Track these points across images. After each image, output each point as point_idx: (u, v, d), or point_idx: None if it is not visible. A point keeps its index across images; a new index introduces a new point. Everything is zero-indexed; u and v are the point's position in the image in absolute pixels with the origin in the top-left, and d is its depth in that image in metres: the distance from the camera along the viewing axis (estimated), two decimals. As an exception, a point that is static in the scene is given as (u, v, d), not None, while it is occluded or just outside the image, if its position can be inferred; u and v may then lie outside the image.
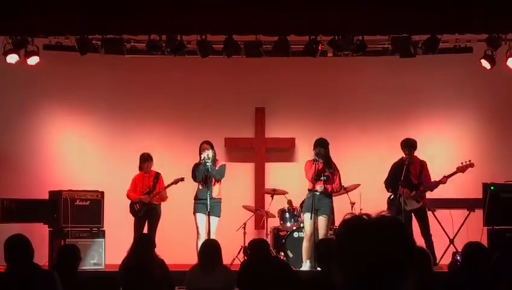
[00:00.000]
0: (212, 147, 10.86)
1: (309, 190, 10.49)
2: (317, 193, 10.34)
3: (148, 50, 11.10)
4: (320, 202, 10.33)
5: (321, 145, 10.47)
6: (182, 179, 11.13)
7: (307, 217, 10.40)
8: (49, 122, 12.84)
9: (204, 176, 10.71)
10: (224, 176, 10.92)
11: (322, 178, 10.40)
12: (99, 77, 12.91)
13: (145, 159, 11.46)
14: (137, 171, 11.54)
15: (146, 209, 11.29)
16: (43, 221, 11.10)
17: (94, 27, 10.41)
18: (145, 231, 11.19)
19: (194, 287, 7.43)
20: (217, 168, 10.82)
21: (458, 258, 9.61)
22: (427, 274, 5.60)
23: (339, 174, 10.59)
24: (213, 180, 10.76)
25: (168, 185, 11.27)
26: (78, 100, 12.90)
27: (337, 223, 10.86)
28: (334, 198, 10.84)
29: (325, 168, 10.43)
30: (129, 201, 11.43)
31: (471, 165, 10.59)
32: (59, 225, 10.97)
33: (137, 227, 11.25)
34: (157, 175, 11.51)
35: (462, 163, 10.62)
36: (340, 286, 2.01)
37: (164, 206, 11.56)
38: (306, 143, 11.52)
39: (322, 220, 10.35)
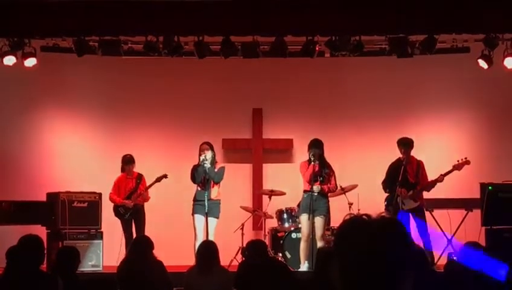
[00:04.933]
0: (211, 148, 10.84)
1: (305, 191, 10.52)
2: (314, 194, 10.37)
3: (145, 51, 11.10)
4: (316, 203, 10.36)
5: (316, 146, 10.51)
6: (165, 176, 11.11)
7: (304, 218, 10.44)
8: (46, 124, 12.83)
9: (203, 177, 10.69)
10: (222, 179, 10.88)
11: (319, 179, 10.44)
12: (96, 78, 12.91)
13: (128, 161, 11.41)
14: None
15: (131, 212, 11.25)
16: (41, 223, 11.08)
17: (91, 28, 10.41)
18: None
19: (192, 288, 7.43)
20: (216, 170, 10.81)
21: (454, 258, 9.61)
22: (424, 273, 5.59)
23: (334, 174, 10.64)
24: (212, 182, 10.73)
25: (151, 184, 11.23)
26: (76, 102, 12.89)
27: (334, 223, 10.88)
28: (332, 199, 10.84)
29: (320, 169, 10.46)
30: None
31: (467, 162, 10.60)
32: (57, 227, 10.97)
33: (126, 229, 11.22)
34: (140, 176, 11.47)
35: (458, 161, 10.64)
36: (338, 286, 2.01)
37: (162, 208, 11.54)
38: (304, 144, 11.49)
39: (319, 221, 10.39)
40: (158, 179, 11.16)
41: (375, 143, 12.79)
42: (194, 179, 10.79)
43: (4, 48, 10.88)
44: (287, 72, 12.84)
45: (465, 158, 10.63)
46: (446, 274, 6.61)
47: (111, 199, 11.32)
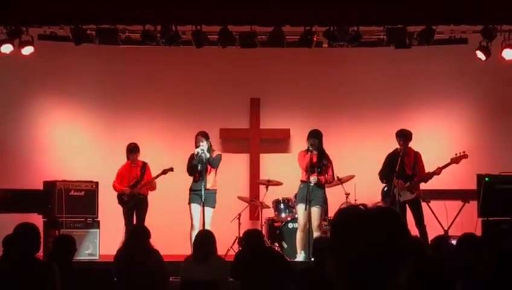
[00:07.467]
0: (207, 137, 10.83)
1: (302, 181, 10.52)
2: (311, 184, 10.38)
3: (142, 40, 11.07)
4: (313, 193, 10.37)
5: (315, 137, 10.50)
6: (171, 169, 11.10)
7: (300, 208, 10.45)
8: (43, 112, 12.81)
9: (198, 167, 10.71)
10: (219, 165, 10.89)
11: (316, 170, 10.43)
12: (94, 67, 12.88)
13: (133, 150, 11.39)
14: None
15: (135, 200, 11.26)
16: (38, 211, 11.07)
17: (89, 17, 10.37)
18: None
19: (189, 277, 7.44)
20: (213, 156, 10.83)
21: (453, 242, 9.60)
22: (420, 263, 5.61)
23: (332, 165, 10.64)
24: (207, 171, 10.74)
25: (157, 176, 11.23)
26: (73, 90, 12.87)
27: (330, 214, 10.90)
28: (328, 189, 10.84)
29: (318, 160, 10.46)
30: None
31: (465, 156, 10.60)
32: (53, 216, 10.97)
33: (127, 217, 11.22)
34: (144, 165, 11.46)
35: (456, 154, 10.63)
36: (334, 276, 2.01)
37: (159, 197, 11.54)
38: (301, 134, 11.51)
39: (315, 211, 10.39)
40: (164, 172, 11.14)
41: (372, 134, 12.78)
42: (189, 171, 10.81)
43: (1, 36, 10.86)
44: (284, 62, 12.81)
45: (463, 152, 10.62)
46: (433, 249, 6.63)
47: (114, 187, 11.37)
